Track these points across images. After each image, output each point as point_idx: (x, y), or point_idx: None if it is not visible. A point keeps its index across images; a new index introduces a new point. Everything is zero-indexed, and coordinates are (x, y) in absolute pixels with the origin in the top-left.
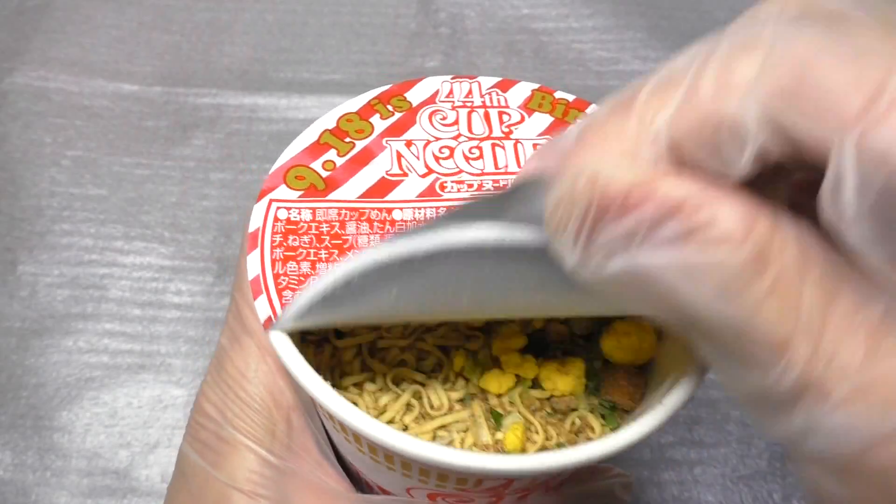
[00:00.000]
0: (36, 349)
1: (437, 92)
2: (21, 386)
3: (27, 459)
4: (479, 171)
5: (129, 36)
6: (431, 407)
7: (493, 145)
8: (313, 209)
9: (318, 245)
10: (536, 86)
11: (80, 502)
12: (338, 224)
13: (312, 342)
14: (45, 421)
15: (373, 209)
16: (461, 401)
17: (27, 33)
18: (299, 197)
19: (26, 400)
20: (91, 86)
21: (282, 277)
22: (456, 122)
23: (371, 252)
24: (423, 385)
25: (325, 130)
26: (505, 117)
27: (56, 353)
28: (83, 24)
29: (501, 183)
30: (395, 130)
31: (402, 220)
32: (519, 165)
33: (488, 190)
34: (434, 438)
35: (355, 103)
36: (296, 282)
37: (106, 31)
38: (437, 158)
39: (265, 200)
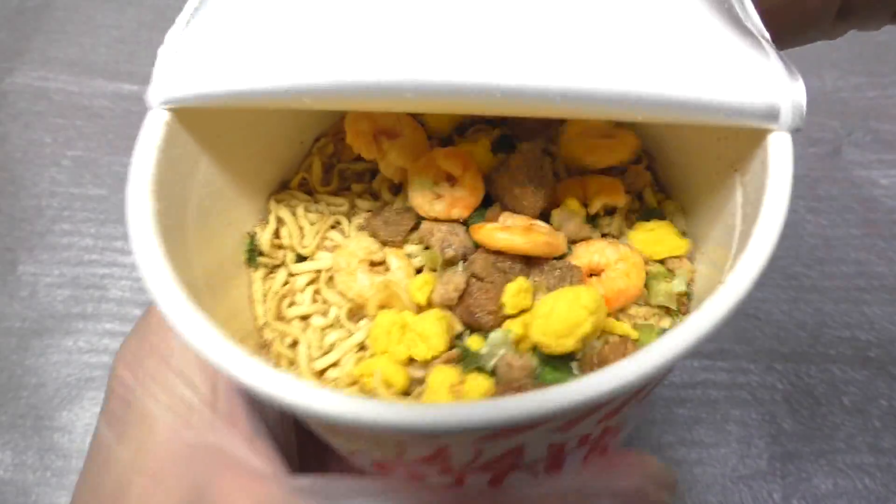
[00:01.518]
0: (36, 349)
1: None
2: (21, 386)
3: (27, 459)
4: None
5: (129, 36)
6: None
7: None
8: None
9: None
10: None
11: None
12: None
13: (264, 266)
14: (46, 421)
15: None
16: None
17: (27, 33)
18: None
19: (26, 400)
20: (91, 86)
21: None
22: None
23: None
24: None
25: None
26: None
27: (56, 353)
28: (83, 24)
29: None
30: None
31: None
32: None
33: None
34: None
35: None
36: None
37: (106, 31)
38: None
39: None
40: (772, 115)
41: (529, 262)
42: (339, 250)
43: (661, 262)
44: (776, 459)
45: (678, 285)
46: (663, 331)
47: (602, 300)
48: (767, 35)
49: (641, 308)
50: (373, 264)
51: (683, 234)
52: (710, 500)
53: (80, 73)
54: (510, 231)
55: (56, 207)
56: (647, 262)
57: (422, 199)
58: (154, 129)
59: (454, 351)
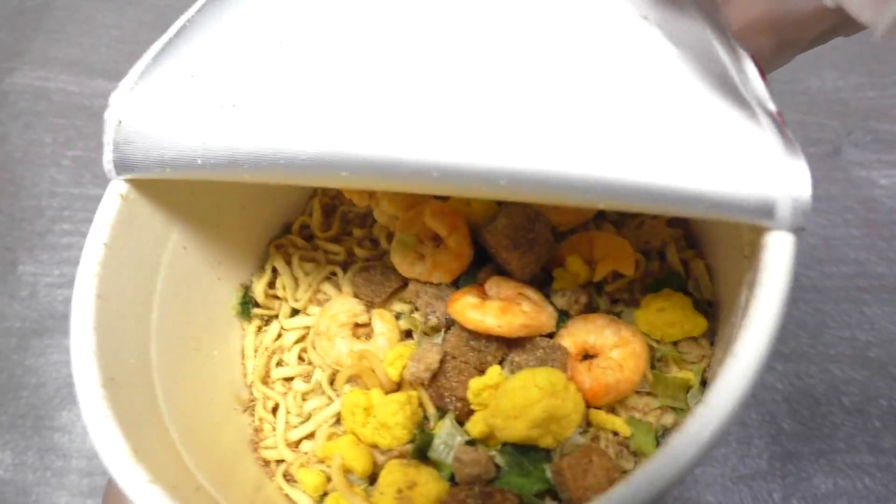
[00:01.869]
0: (36, 349)
1: None
2: (21, 386)
3: (27, 459)
4: None
5: (129, 36)
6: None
7: None
8: None
9: None
10: None
11: (80, 502)
12: None
13: (259, 318)
14: (46, 421)
15: None
16: None
17: (27, 33)
18: None
19: (27, 400)
20: (91, 86)
21: None
22: None
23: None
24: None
25: None
26: None
27: (56, 353)
28: (83, 24)
29: None
30: None
31: None
32: None
33: None
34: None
35: None
36: None
37: (106, 31)
38: None
39: None
40: (765, 211)
41: (510, 341)
42: (322, 311)
43: (676, 342)
44: (776, 459)
45: (687, 376)
46: (664, 430)
47: (565, 383)
48: (771, 105)
49: (643, 398)
50: (358, 326)
51: (709, 304)
52: (710, 500)
53: (80, 73)
54: (483, 311)
55: (56, 207)
56: (658, 341)
57: (401, 259)
58: (107, 205)
59: (407, 447)
